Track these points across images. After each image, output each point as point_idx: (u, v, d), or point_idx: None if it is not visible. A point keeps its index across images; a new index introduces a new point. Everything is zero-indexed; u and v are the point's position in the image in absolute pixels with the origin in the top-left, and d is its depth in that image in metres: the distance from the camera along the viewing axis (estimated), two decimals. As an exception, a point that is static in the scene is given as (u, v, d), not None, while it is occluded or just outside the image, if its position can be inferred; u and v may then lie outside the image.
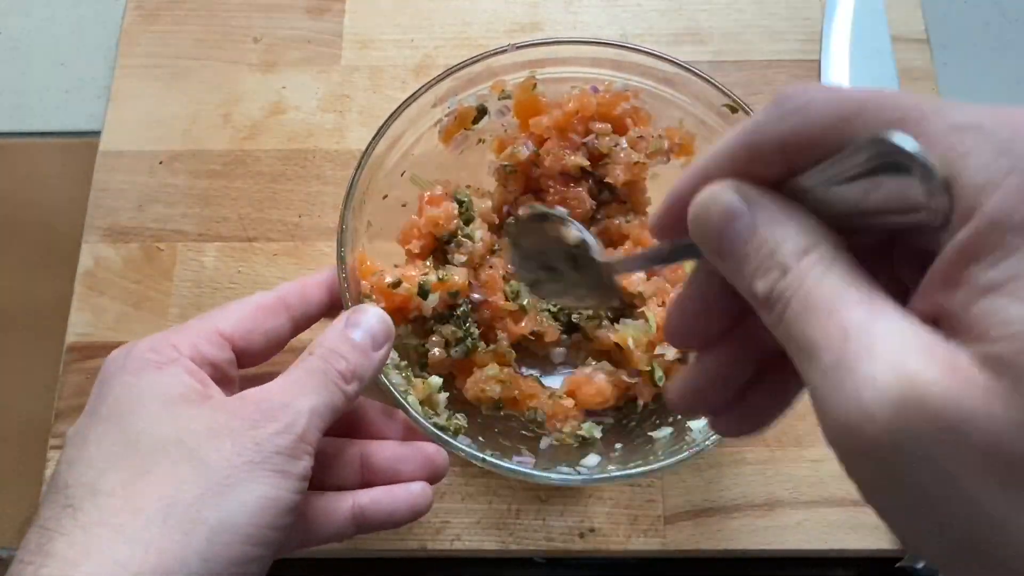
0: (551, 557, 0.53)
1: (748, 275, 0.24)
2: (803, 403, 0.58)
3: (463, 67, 0.50)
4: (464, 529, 0.53)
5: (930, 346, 0.20)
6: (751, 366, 0.29)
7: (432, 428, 0.43)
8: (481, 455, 0.42)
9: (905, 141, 0.20)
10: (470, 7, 0.67)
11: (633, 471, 0.43)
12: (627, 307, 0.51)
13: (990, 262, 0.19)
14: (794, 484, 0.53)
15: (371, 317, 0.41)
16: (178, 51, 0.66)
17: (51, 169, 0.66)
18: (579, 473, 0.45)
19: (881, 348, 0.20)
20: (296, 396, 0.36)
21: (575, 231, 0.36)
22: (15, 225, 0.64)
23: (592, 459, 0.47)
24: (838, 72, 0.63)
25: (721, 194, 0.25)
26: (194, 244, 0.60)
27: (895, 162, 0.20)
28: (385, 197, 0.51)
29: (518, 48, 0.50)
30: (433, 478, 0.44)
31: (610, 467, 0.45)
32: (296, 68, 0.66)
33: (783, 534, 0.52)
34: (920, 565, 0.48)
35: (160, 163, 0.63)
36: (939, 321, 0.21)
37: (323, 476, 0.42)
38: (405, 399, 0.43)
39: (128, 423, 0.35)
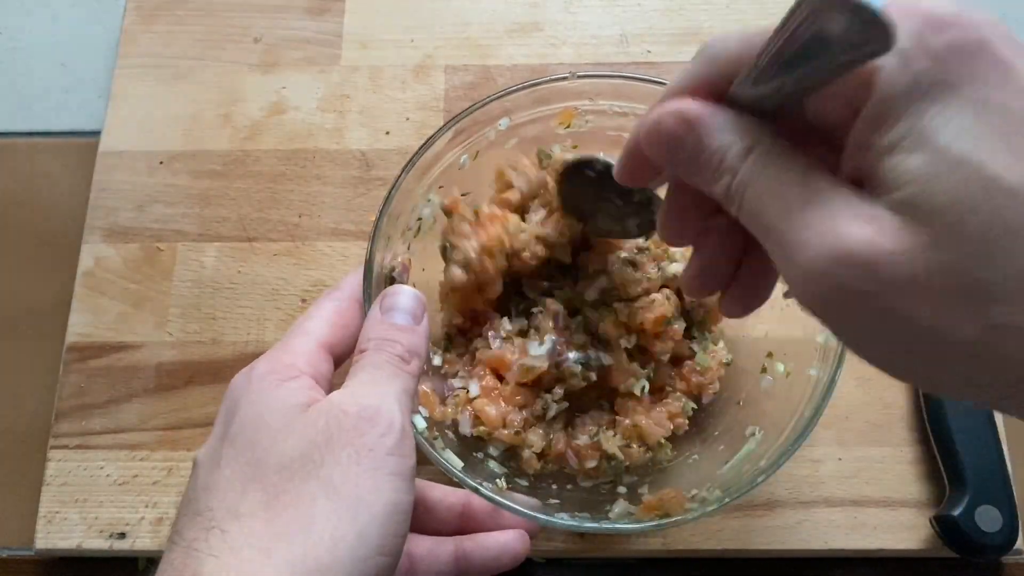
0: (551, 557, 0.53)
1: (707, 182, 0.28)
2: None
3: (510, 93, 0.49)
4: (464, 529, 0.53)
5: (853, 205, 0.24)
6: (734, 251, 0.34)
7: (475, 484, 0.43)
8: (532, 513, 0.43)
9: None
10: (470, 7, 0.67)
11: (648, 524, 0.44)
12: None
13: (885, 128, 0.24)
14: (794, 484, 0.53)
15: (403, 297, 0.42)
16: (178, 51, 0.66)
17: (51, 169, 0.66)
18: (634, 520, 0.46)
19: (813, 217, 0.24)
20: (381, 395, 0.37)
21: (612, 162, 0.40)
22: (15, 225, 0.64)
23: (619, 506, 0.47)
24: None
25: (666, 117, 0.29)
26: (194, 244, 0.60)
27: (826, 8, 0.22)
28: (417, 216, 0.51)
29: (579, 77, 0.49)
30: (532, 529, 0.47)
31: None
32: (296, 68, 0.66)
33: (783, 534, 0.52)
34: (957, 512, 0.49)
35: (160, 163, 0.63)
36: (862, 181, 0.25)
37: (425, 520, 0.44)
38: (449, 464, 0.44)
39: (255, 441, 0.35)
